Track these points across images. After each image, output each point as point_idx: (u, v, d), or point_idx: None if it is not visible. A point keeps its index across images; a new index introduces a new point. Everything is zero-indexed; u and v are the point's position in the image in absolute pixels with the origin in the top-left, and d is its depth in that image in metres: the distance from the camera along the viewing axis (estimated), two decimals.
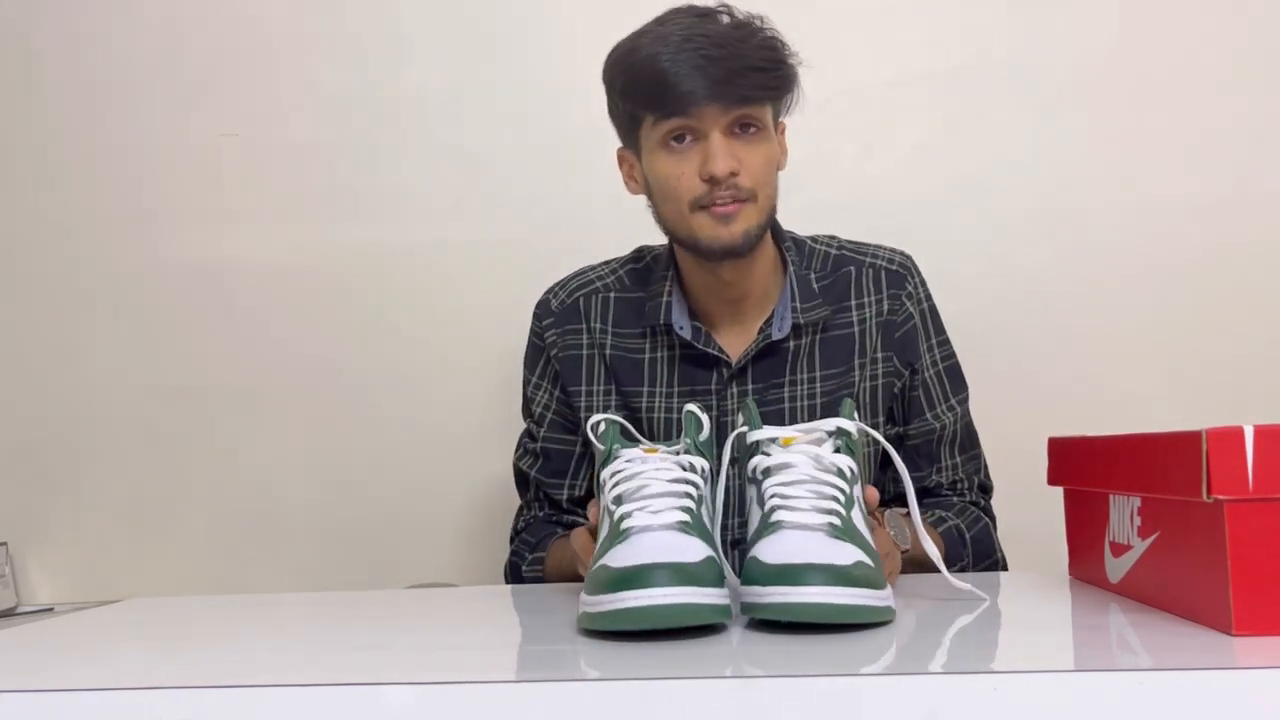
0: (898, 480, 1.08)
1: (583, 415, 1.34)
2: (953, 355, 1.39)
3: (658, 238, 1.32)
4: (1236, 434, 0.73)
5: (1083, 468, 1.02)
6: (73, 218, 1.95)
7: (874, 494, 1.00)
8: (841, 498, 0.88)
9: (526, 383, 1.41)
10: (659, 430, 1.32)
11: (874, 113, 1.82)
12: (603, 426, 1.00)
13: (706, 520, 0.91)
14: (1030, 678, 0.68)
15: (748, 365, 1.31)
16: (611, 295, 1.37)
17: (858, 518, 0.89)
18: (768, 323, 1.30)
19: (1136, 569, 0.90)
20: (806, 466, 0.90)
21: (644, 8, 1.24)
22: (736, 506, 1.23)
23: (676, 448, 0.96)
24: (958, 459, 1.37)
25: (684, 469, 0.93)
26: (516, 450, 1.43)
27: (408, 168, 1.89)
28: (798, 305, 1.30)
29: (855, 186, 1.81)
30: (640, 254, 1.40)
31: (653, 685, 0.70)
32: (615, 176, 1.32)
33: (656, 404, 1.32)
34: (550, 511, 1.39)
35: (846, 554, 0.82)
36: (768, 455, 0.92)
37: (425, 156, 1.88)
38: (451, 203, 1.88)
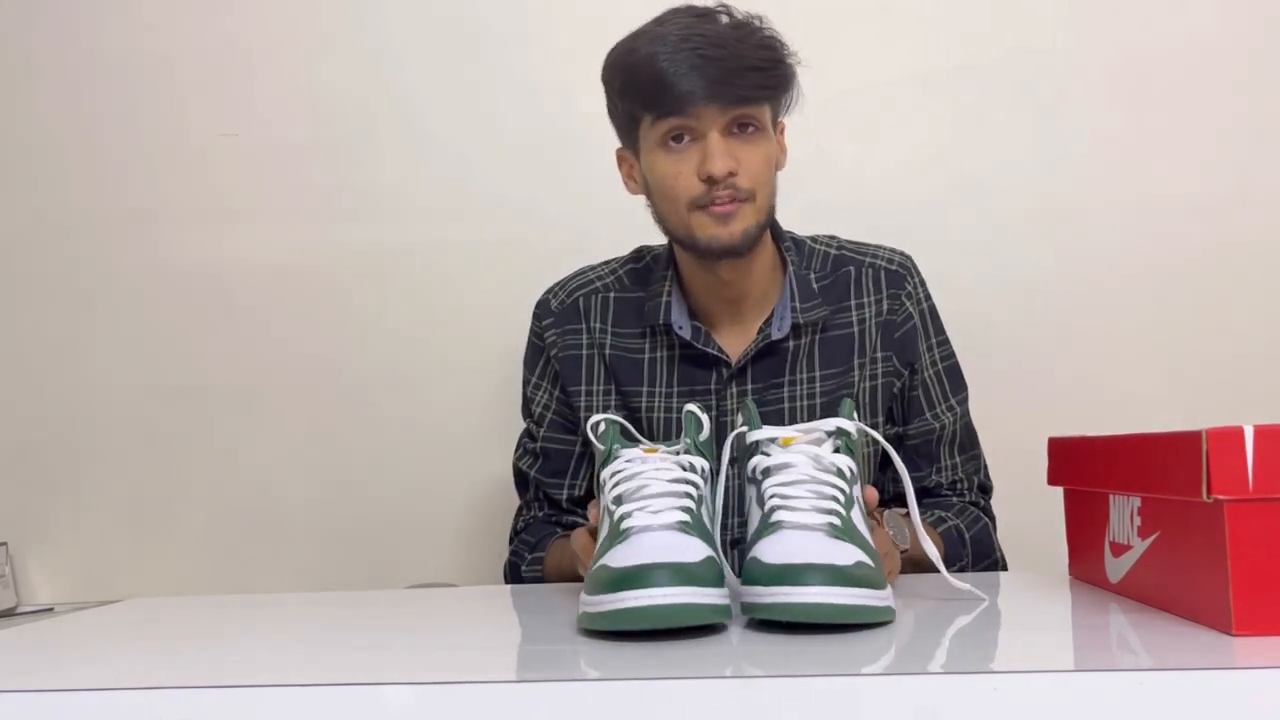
0: (897, 480, 1.08)
1: (582, 415, 1.34)
2: (952, 355, 1.39)
3: (657, 238, 1.32)
4: (1236, 434, 0.73)
5: (1083, 468, 1.02)
6: (73, 218, 1.95)
7: (873, 494, 1.00)
8: (841, 498, 0.88)
9: (526, 383, 1.41)
10: (659, 430, 1.32)
11: (874, 113, 1.82)
12: (603, 426, 1.00)
13: (706, 520, 0.91)
14: (1030, 678, 0.68)
15: (747, 365, 1.31)
16: (611, 295, 1.37)
17: (858, 518, 0.89)
18: (767, 323, 1.30)
19: (1136, 569, 0.90)
20: (806, 466, 0.90)
21: (644, 7, 1.24)
22: (736, 506, 1.23)
23: (676, 448, 0.96)
24: (957, 459, 1.37)
25: (684, 469, 0.93)
26: (516, 450, 1.43)
27: (408, 168, 1.89)
28: (797, 305, 1.30)
29: (855, 186, 1.81)
30: (640, 254, 1.40)
31: (653, 685, 0.70)
32: (615, 177, 1.32)
33: (656, 404, 1.33)
34: (550, 511, 1.39)
35: (847, 554, 0.82)
36: (767, 455, 0.92)
37: (425, 157, 1.89)
38: (451, 203, 1.88)
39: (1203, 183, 1.77)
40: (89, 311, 1.94)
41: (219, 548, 1.91)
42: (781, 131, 1.28)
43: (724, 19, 1.20)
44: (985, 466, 1.41)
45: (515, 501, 1.45)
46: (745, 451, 0.96)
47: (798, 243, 1.36)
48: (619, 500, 0.90)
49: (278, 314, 1.91)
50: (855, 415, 0.97)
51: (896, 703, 0.67)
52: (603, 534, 0.91)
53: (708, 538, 0.87)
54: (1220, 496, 0.73)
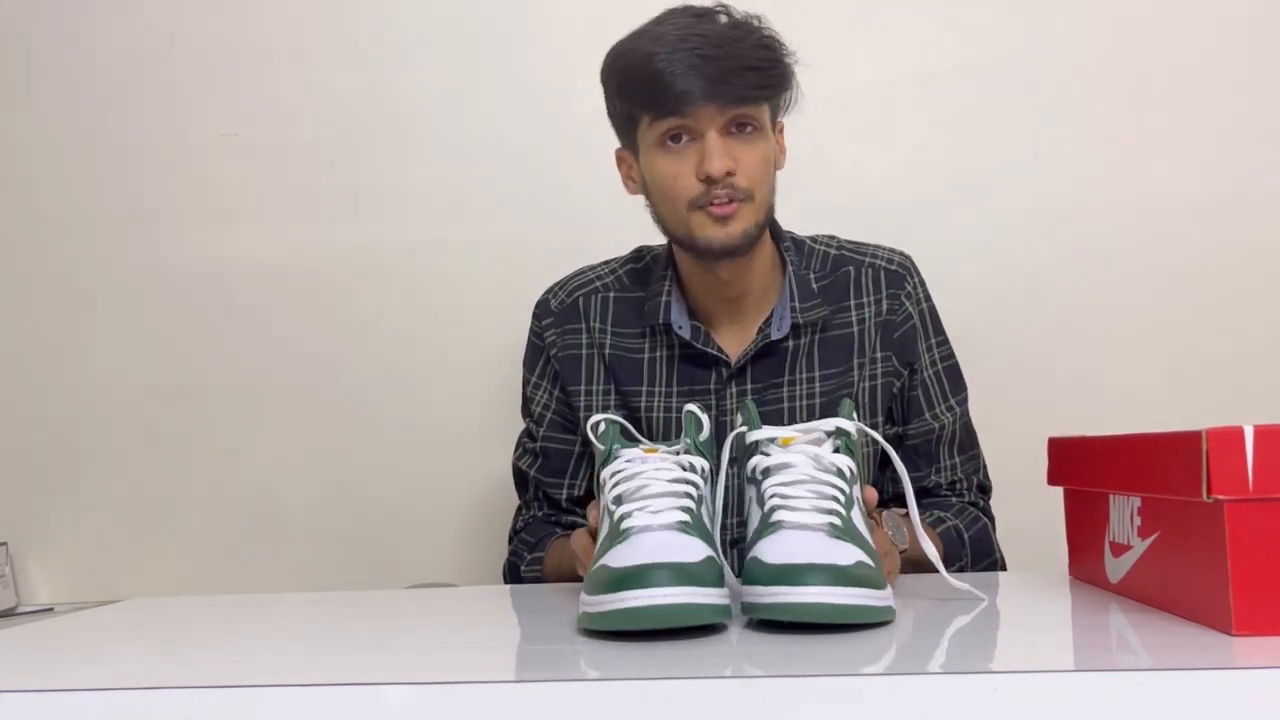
0: (897, 480, 1.08)
1: (582, 415, 1.34)
2: (952, 355, 1.39)
3: (657, 238, 1.32)
4: (1236, 434, 0.73)
5: (1083, 468, 1.02)
6: (73, 218, 1.95)
7: (872, 494, 1.00)
8: (841, 498, 0.88)
9: (526, 382, 1.41)
10: (658, 430, 1.32)
11: (874, 113, 1.82)
12: (603, 426, 1.00)
13: (706, 520, 0.91)
14: (1030, 678, 0.68)
15: (747, 365, 1.31)
16: (611, 295, 1.37)
17: (858, 518, 0.89)
18: (767, 322, 1.30)
19: (1136, 569, 0.90)
20: (806, 466, 0.90)
21: (644, 8, 1.24)
22: (735, 506, 1.23)
23: (676, 448, 0.96)
24: (956, 459, 1.37)
25: (684, 469, 0.93)
26: (516, 450, 1.43)
27: (408, 168, 1.89)
28: (797, 305, 1.30)
29: (855, 186, 1.81)
30: (640, 254, 1.40)
31: (653, 685, 0.70)
32: (615, 176, 1.32)
33: (656, 404, 1.33)
34: (549, 511, 1.39)
35: (847, 554, 0.82)
36: (767, 455, 0.92)
37: (425, 156, 1.88)
38: (451, 203, 1.88)
39: (1203, 183, 1.77)
40: (89, 311, 1.94)
41: (219, 548, 1.91)
42: (780, 131, 1.28)
43: (722, 19, 1.20)
44: (984, 467, 1.41)
45: (515, 501, 1.45)
46: (745, 451, 0.96)
47: (797, 243, 1.36)
48: (619, 500, 0.90)
49: (278, 314, 1.91)
50: (855, 415, 0.97)
51: (897, 703, 0.67)
52: (603, 534, 0.91)
53: (708, 538, 0.87)
54: (1220, 496, 0.73)
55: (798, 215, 1.40)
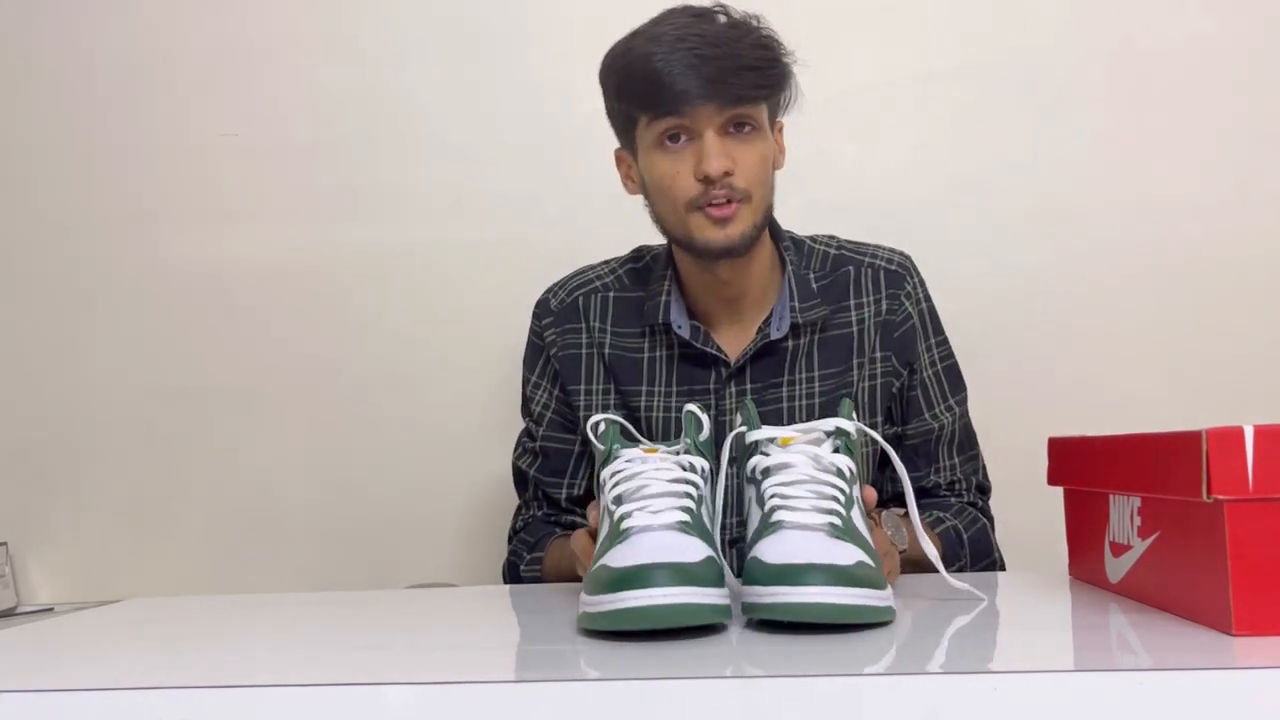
0: (896, 480, 1.08)
1: (582, 414, 1.34)
2: (951, 355, 1.39)
3: (657, 238, 1.32)
4: (1236, 434, 0.73)
5: (1083, 468, 1.02)
6: (73, 218, 1.95)
7: (872, 494, 1.00)
8: (841, 498, 0.88)
9: (526, 382, 1.41)
10: (658, 430, 1.32)
11: (874, 113, 1.82)
12: (602, 426, 1.00)
13: (706, 520, 0.91)
14: (1030, 678, 0.68)
15: (746, 365, 1.31)
16: (610, 295, 1.37)
17: (857, 518, 0.89)
18: (766, 322, 1.30)
19: (1136, 569, 0.90)
20: (806, 466, 0.90)
21: (644, 8, 1.24)
22: (735, 506, 1.23)
23: (676, 448, 0.96)
24: (956, 459, 1.37)
25: (684, 469, 0.93)
26: (515, 449, 1.43)
27: (408, 168, 1.89)
28: (796, 305, 1.30)
29: (855, 186, 1.81)
30: (639, 254, 1.40)
31: (653, 685, 0.70)
32: (614, 176, 1.32)
33: (655, 403, 1.33)
34: (549, 511, 1.39)
35: (847, 554, 0.82)
36: (767, 455, 0.92)
37: (425, 156, 1.88)
38: (451, 203, 1.88)
39: (1203, 183, 1.77)
40: (89, 311, 1.94)
41: (219, 548, 1.91)
42: (780, 131, 1.28)
43: (721, 19, 1.20)
44: (984, 467, 1.41)
45: (515, 501, 1.45)
46: (744, 451, 0.96)
47: (797, 242, 1.36)
48: (619, 500, 0.90)
49: (278, 314, 1.91)
50: (854, 415, 0.97)
51: (897, 703, 0.67)
52: (603, 534, 0.91)
53: (708, 538, 0.87)
54: (1220, 496, 0.73)
55: (798, 215, 1.40)
